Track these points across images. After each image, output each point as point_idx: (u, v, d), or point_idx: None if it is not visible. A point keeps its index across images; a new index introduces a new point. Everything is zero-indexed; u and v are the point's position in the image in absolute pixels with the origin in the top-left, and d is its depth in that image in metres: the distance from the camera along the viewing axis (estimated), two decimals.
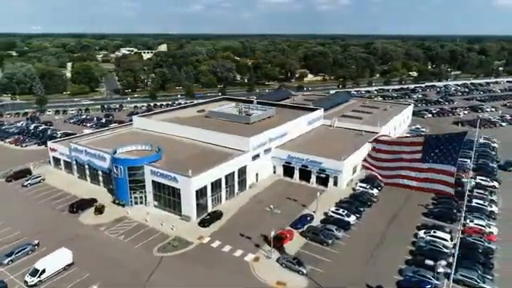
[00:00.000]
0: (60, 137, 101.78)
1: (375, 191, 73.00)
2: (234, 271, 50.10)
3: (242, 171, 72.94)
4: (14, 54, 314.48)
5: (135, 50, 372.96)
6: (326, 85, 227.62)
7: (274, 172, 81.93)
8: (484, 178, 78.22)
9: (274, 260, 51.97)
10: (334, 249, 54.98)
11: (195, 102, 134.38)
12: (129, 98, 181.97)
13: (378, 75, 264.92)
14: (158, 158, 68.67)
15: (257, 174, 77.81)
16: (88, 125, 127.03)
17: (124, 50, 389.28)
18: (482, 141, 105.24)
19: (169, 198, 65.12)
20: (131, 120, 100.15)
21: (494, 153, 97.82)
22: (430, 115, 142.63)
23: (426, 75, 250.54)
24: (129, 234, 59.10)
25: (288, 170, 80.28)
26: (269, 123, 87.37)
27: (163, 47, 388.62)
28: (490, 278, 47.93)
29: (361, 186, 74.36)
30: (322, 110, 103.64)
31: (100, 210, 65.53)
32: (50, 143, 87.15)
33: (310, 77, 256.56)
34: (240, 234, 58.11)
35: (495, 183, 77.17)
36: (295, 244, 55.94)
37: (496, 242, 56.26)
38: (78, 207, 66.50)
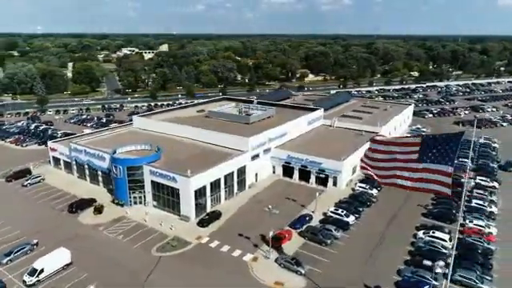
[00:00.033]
0: (60, 137, 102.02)
1: (375, 191, 72.90)
2: (233, 271, 50.13)
3: (242, 171, 72.91)
4: (16, 54, 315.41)
5: (136, 50, 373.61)
6: (327, 85, 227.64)
7: (274, 172, 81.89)
8: (484, 179, 78.04)
9: (273, 260, 51.95)
10: (332, 249, 54.94)
11: (195, 101, 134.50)
12: (129, 98, 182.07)
13: (379, 75, 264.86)
14: (157, 157, 68.71)
15: (256, 174, 77.78)
16: (88, 125, 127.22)
17: (125, 50, 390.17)
18: (482, 141, 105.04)
19: (168, 197, 65.14)
20: (131, 120, 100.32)
21: (494, 153, 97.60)
22: (430, 115, 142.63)
23: (427, 75, 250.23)
24: (128, 233, 59.19)
25: (287, 170, 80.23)
26: (268, 123, 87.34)
27: (164, 47, 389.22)
28: (489, 278, 47.86)
29: (360, 187, 74.28)
30: (322, 109, 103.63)
31: (99, 210, 65.64)
32: (50, 143, 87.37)
33: (311, 77, 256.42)
34: (239, 234, 58.11)
35: (495, 183, 76.97)
36: (294, 244, 55.92)
37: (495, 243, 56.19)
38: (77, 207, 66.62)
